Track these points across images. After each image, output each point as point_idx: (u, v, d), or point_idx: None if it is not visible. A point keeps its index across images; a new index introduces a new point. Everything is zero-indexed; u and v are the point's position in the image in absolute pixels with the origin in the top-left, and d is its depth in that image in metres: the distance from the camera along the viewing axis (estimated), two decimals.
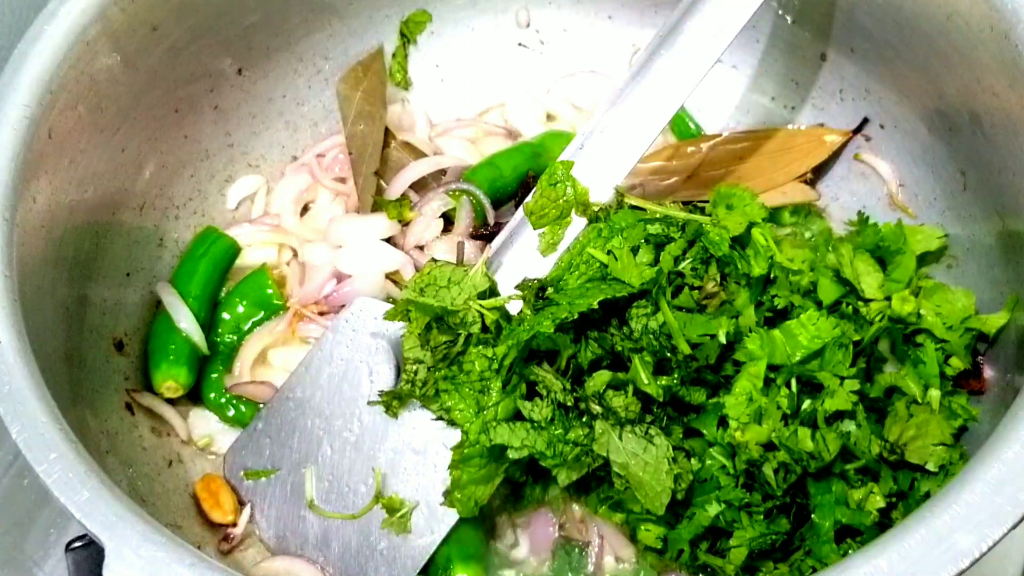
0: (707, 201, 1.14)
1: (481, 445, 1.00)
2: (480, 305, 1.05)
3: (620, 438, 1.00)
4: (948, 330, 1.10)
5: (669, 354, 1.03)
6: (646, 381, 1.01)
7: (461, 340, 1.04)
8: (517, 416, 1.02)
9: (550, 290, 1.08)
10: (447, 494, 1.04)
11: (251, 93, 1.38)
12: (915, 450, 1.02)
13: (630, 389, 1.02)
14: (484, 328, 1.05)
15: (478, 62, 1.49)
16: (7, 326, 0.93)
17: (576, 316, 1.00)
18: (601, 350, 1.05)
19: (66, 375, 1.07)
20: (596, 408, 1.01)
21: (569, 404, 1.02)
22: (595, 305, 1.01)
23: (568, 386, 1.03)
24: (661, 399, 1.01)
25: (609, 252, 1.07)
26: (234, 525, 1.15)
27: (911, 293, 1.11)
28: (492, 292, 1.09)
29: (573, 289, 1.07)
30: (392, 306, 1.09)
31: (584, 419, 1.02)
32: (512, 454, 0.99)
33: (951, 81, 1.14)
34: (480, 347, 1.04)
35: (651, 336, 1.04)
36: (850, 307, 1.10)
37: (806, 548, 1.03)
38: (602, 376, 1.02)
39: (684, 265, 1.09)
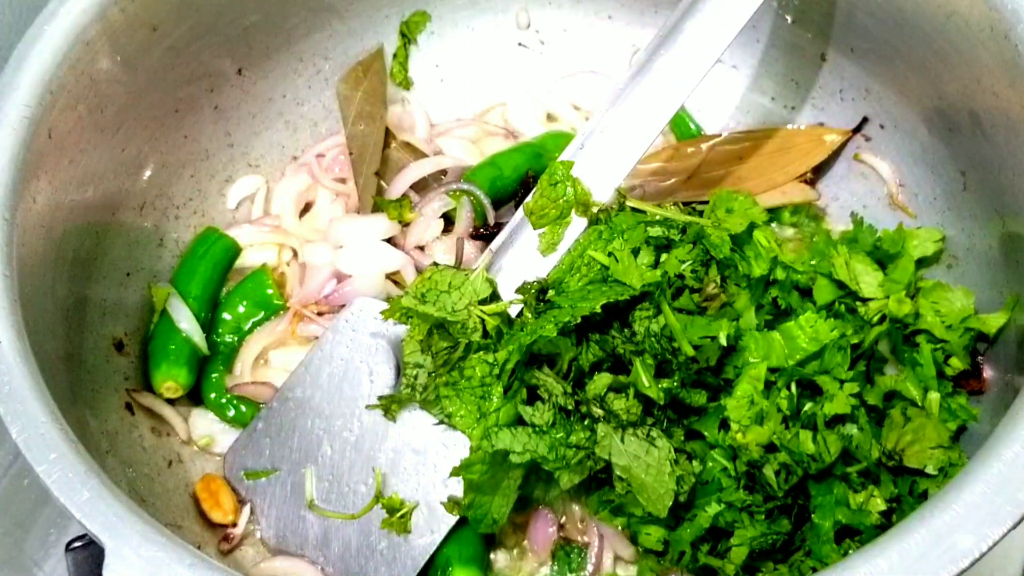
0: (707, 202, 1.14)
1: (483, 450, 1.00)
2: (481, 311, 1.05)
3: (622, 441, 1.00)
4: (947, 330, 1.10)
5: (670, 356, 1.03)
6: (647, 384, 1.01)
7: (462, 347, 1.04)
8: (519, 421, 1.02)
9: (551, 292, 1.08)
10: (457, 505, 1.04)
11: (251, 93, 1.38)
12: (913, 455, 1.02)
13: (631, 392, 1.02)
14: (485, 334, 1.05)
15: (478, 62, 1.48)
16: (7, 326, 0.93)
17: (579, 320, 1.00)
18: (602, 352, 1.05)
19: (66, 375, 1.07)
20: (597, 411, 1.01)
21: (570, 408, 1.02)
22: (598, 308, 1.01)
23: (569, 389, 1.03)
24: (662, 402, 1.01)
25: (610, 254, 1.07)
26: (234, 525, 1.15)
27: (908, 295, 1.11)
28: (493, 296, 1.08)
29: (574, 291, 1.07)
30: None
31: (586, 422, 1.02)
32: (515, 459, 0.99)
33: (951, 81, 1.14)
34: (481, 353, 1.04)
35: (653, 339, 1.04)
36: (843, 306, 1.10)
37: (806, 548, 1.03)
38: (603, 379, 1.02)
39: (684, 267, 1.09)
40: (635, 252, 1.08)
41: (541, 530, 1.13)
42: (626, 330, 1.05)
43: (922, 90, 1.21)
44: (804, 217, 1.34)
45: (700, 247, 1.10)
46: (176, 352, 1.22)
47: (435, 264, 1.16)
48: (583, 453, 1.00)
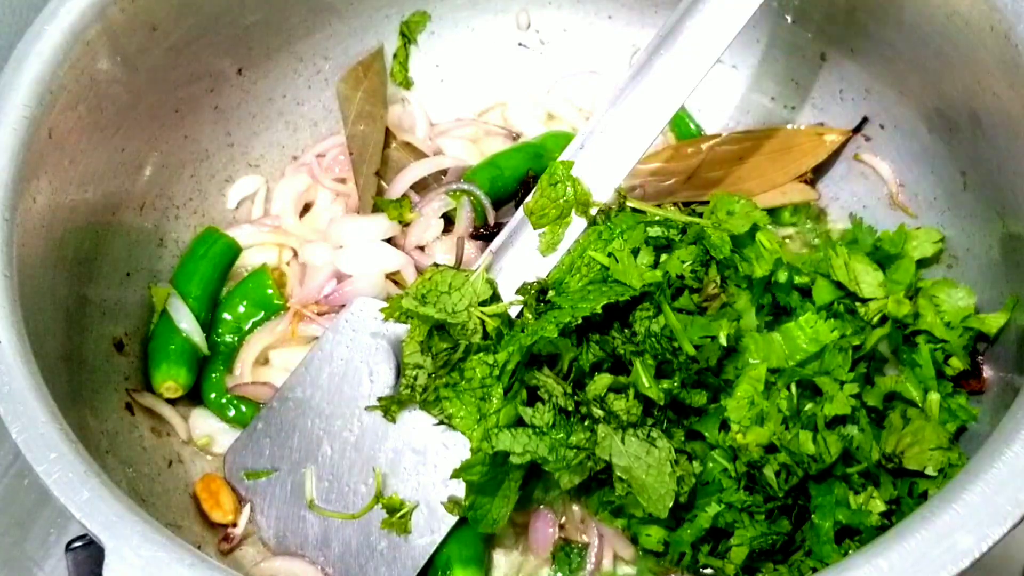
0: (707, 202, 1.14)
1: (483, 452, 1.00)
2: (482, 312, 1.05)
3: (623, 442, 1.00)
4: (947, 329, 1.10)
5: (671, 356, 1.03)
6: (647, 385, 1.01)
7: (462, 348, 1.04)
8: (519, 422, 1.02)
9: (551, 292, 1.08)
10: (458, 505, 1.04)
11: (251, 93, 1.38)
12: (912, 456, 1.02)
13: (631, 392, 1.02)
14: (485, 335, 1.05)
15: (478, 62, 1.49)
16: (7, 326, 0.93)
17: (579, 320, 1.00)
18: (603, 353, 1.05)
19: (66, 375, 1.07)
20: (598, 412, 1.01)
21: (570, 408, 1.02)
22: (598, 309, 1.01)
23: (569, 390, 1.03)
24: (662, 402, 1.01)
25: (610, 254, 1.07)
26: (234, 525, 1.15)
27: (907, 296, 1.11)
28: (494, 297, 1.08)
29: (574, 291, 1.07)
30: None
31: (586, 423, 1.02)
32: (515, 460, 0.99)
33: (951, 81, 1.14)
34: (481, 354, 1.04)
35: (653, 339, 1.04)
36: (842, 307, 1.10)
37: (806, 548, 1.03)
38: (603, 379, 1.02)
39: (684, 267, 1.09)
40: (635, 252, 1.08)
41: (541, 530, 1.13)
42: (626, 330, 1.05)
43: (922, 90, 1.21)
44: (804, 217, 1.34)
45: (700, 247, 1.10)
46: (176, 352, 1.22)
47: (435, 265, 1.16)
48: (583, 454, 1.00)
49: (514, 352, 1.02)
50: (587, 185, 1.11)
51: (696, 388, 1.05)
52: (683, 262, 1.08)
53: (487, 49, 1.49)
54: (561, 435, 1.00)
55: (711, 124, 1.43)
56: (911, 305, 1.10)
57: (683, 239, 1.11)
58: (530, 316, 1.06)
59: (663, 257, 1.10)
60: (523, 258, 1.12)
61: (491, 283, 1.09)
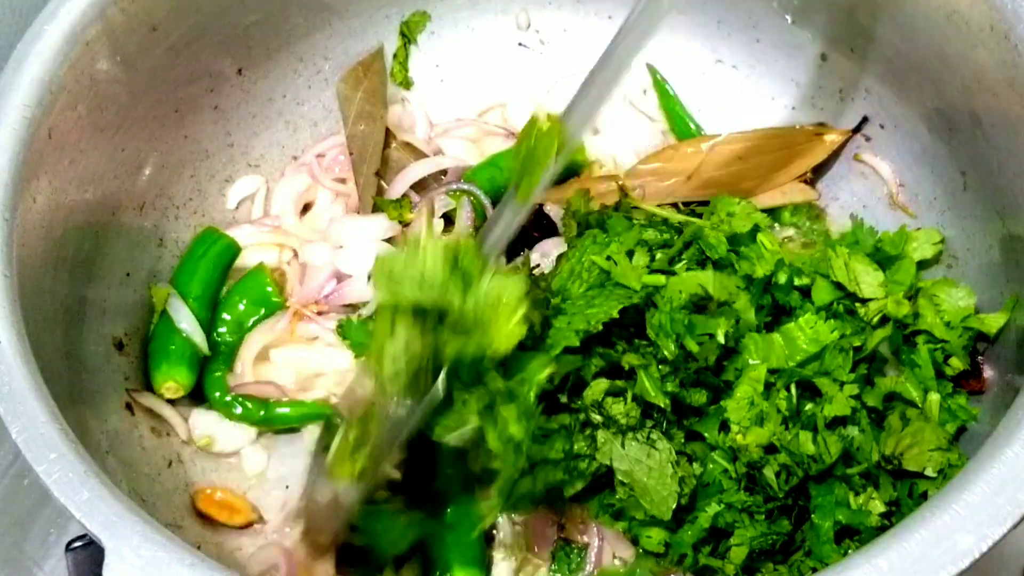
0: (707, 203, 1.14)
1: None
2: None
3: (622, 445, 0.99)
4: (947, 329, 1.10)
5: (668, 355, 1.03)
6: (653, 394, 1.00)
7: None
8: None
9: (557, 299, 1.06)
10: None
11: (251, 93, 1.38)
12: (912, 458, 1.02)
13: (628, 395, 1.02)
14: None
15: (478, 62, 1.48)
16: (7, 326, 0.93)
17: (599, 328, 0.99)
18: (605, 363, 1.04)
19: (66, 375, 1.07)
20: (596, 417, 1.01)
21: (575, 428, 1.01)
22: (615, 314, 0.99)
23: (565, 399, 1.02)
24: (668, 409, 1.01)
25: (608, 258, 1.07)
26: (262, 520, 1.16)
27: (907, 296, 1.11)
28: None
29: (577, 297, 1.05)
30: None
31: (587, 431, 1.01)
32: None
33: (951, 81, 1.14)
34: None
35: (666, 340, 1.03)
36: (841, 307, 1.10)
37: (806, 548, 1.03)
38: (600, 384, 1.02)
39: (679, 267, 1.09)
40: (630, 254, 1.08)
41: (541, 530, 1.13)
42: (634, 340, 1.04)
43: (922, 90, 1.21)
44: (804, 217, 1.34)
45: (696, 247, 1.10)
46: (176, 352, 1.22)
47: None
48: (586, 461, 1.00)
49: (541, 362, 0.97)
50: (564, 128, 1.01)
51: (695, 387, 1.05)
52: (670, 259, 1.07)
53: (487, 49, 1.48)
54: (565, 446, 1.00)
55: (711, 124, 1.43)
56: (911, 305, 1.10)
57: (679, 239, 1.11)
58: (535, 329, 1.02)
59: (659, 255, 1.09)
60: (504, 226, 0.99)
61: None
